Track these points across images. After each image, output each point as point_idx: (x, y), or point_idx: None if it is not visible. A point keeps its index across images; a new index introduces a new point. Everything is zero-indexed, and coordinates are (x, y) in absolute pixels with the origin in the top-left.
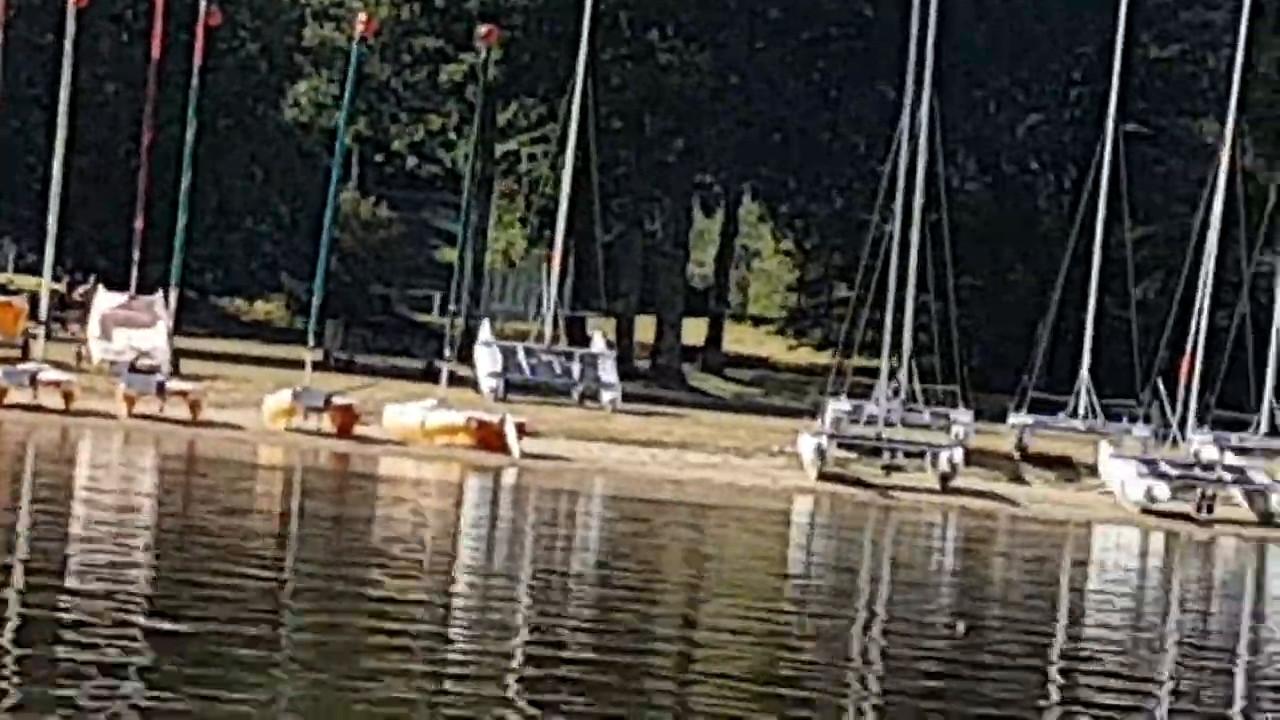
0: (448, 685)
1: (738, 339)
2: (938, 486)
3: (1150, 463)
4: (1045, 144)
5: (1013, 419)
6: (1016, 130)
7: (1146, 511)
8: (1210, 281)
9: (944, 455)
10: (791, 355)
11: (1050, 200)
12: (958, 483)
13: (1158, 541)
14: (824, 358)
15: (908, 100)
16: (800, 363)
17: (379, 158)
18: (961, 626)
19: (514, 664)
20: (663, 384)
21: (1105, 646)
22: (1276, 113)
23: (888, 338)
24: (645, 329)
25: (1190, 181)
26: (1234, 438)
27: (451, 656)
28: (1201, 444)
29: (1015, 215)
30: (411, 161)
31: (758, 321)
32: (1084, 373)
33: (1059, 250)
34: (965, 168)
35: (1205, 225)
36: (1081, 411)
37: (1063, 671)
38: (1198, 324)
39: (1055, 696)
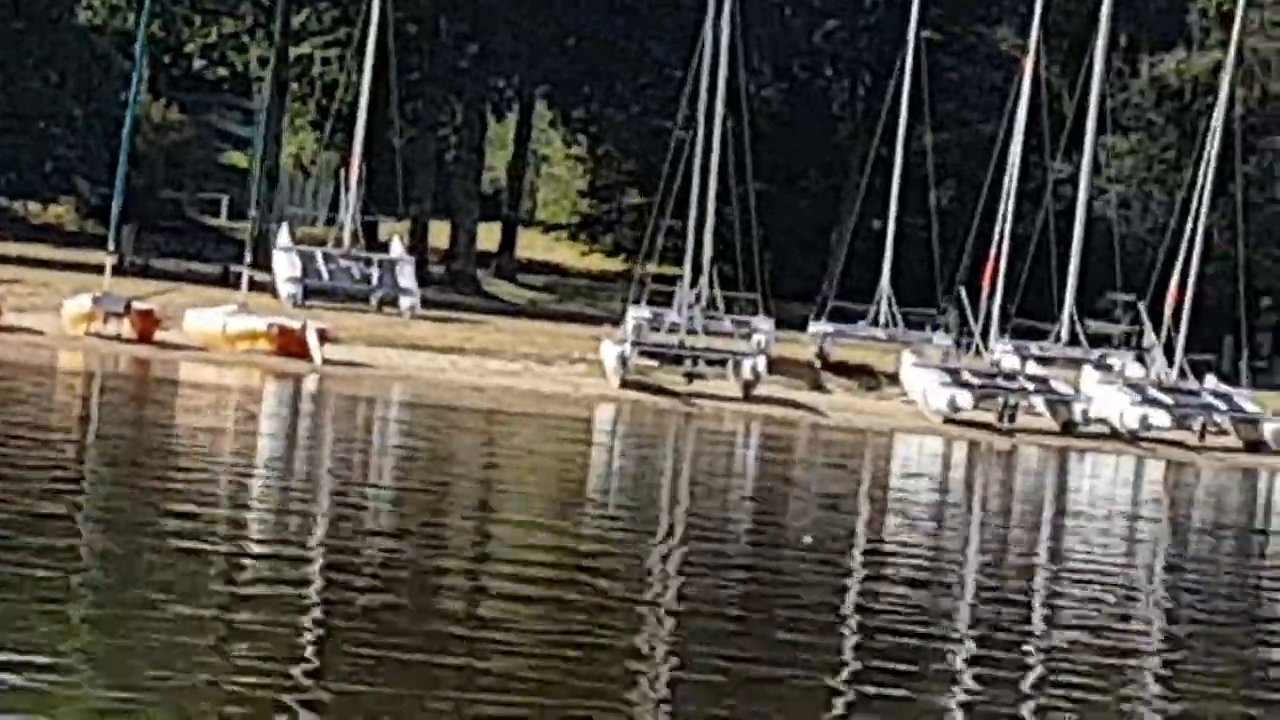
0: (240, 604)
1: (529, 245)
2: (740, 395)
3: (953, 372)
4: (841, 50)
5: (813, 327)
6: (813, 36)
7: (949, 421)
8: (1013, 190)
9: (746, 363)
10: (583, 261)
11: (845, 108)
12: (760, 391)
13: (960, 450)
14: (616, 264)
15: (711, 6)
16: (592, 269)
17: (167, 59)
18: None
19: (308, 576)
20: (458, 290)
21: (905, 551)
22: (1074, 23)
23: (691, 245)
24: (439, 234)
25: (987, 90)
26: (1034, 347)
27: (245, 569)
28: (1002, 353)
29: (810, 122)
30: (200, 64)
31: (549, 228)
32: (884, 281)
33: (853, 157)
34: (762, 73)
35: (1008, 134)
36: (882, 320)
37: (865, 579)
38: (1000, 233)
39: (852, 602)
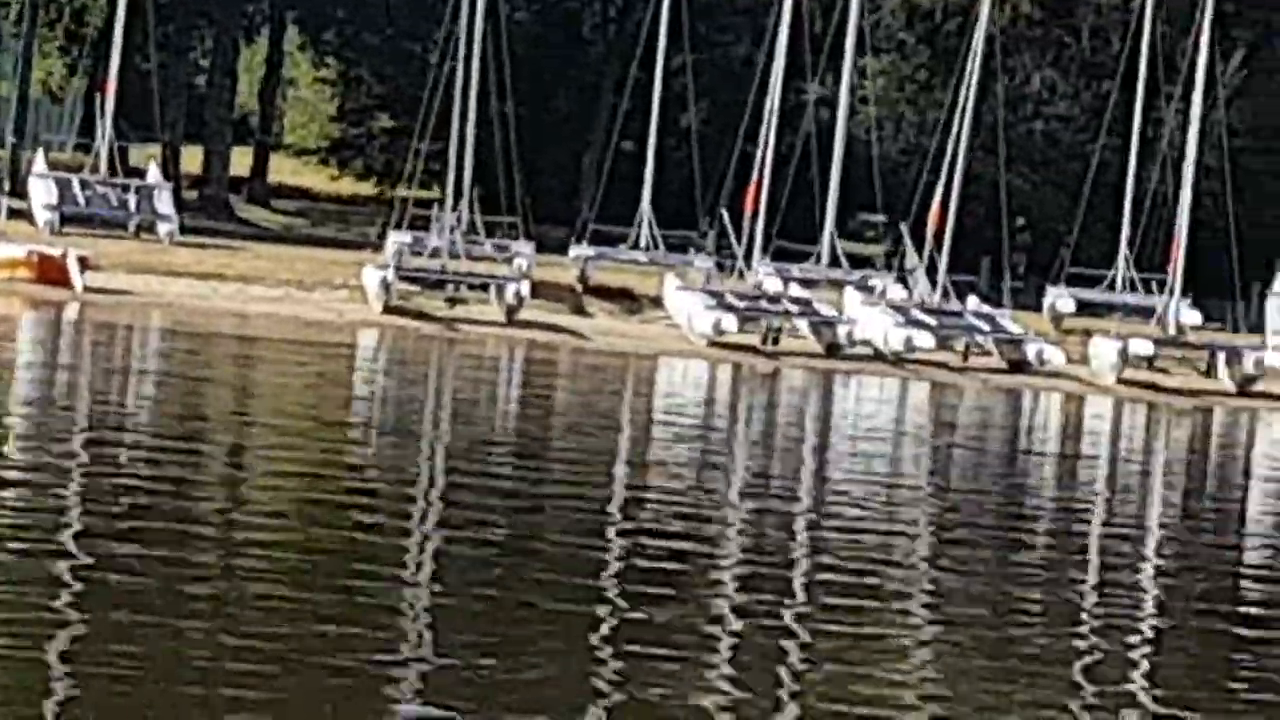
0: None
1: (279, 170)
2: (503, 320)
3: (716, 295)
4: None
5: (574, 251)
6: None
7: (713, 344)
8: (776, 112)
9: (509, 288)
10: (334, 186)
11: (596, 30)
12: (523, 316)
13: (724, 373)
14: (367, 188)
15: None
16: (343, 193)
17: None
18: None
19: (66, 505)
20: (210, 216)
21: (668, 474)
22: None
23: (453, 169)
24: (191, 160)
25: (741, 11)
26: (796, 269)
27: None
28: (764, 276)
29: (563, 44)
30: None
31: (299, 152)
32: (645, 204)
33: (607, 79)
34: None
35: (769, 56)
36: (643, 243)
37: (626, 503)
38: (761, 155)
39: (616, 525)
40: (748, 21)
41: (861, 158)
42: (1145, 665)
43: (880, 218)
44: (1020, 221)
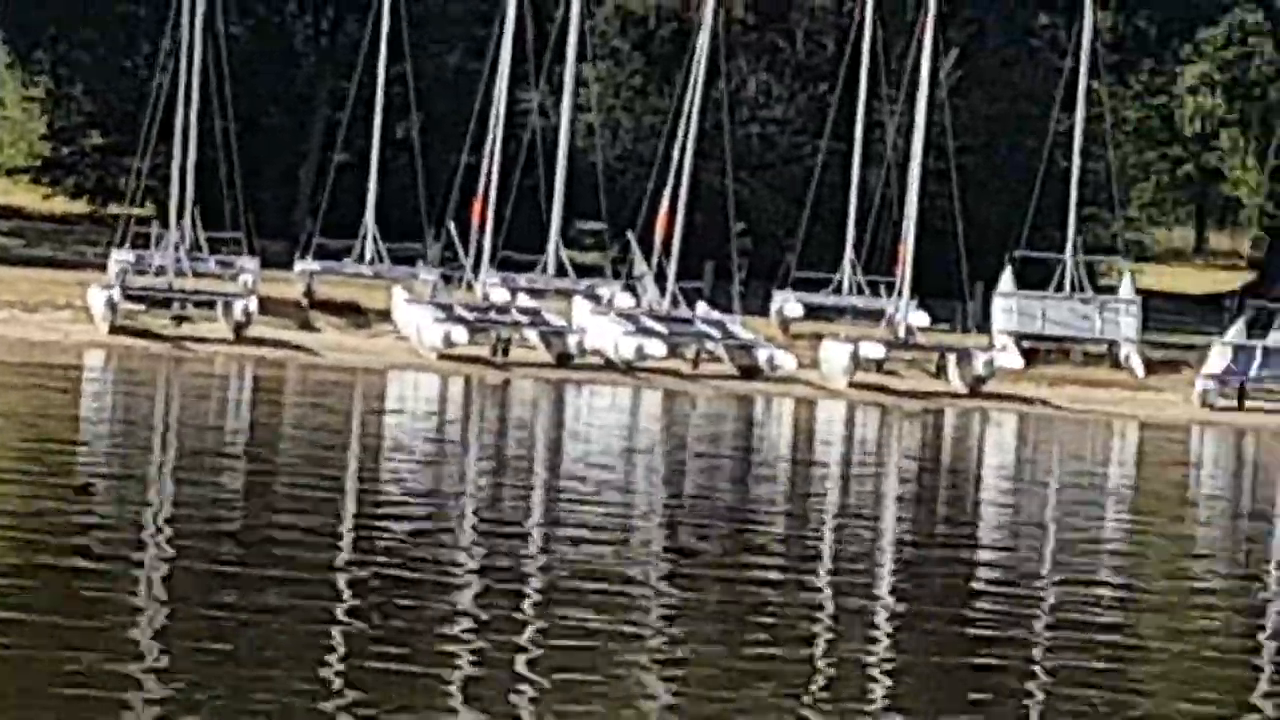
0: None
1: None
2: (231, 337)
3: (445, 307)
4: None
5: (299, 266)
6: None
7: (444, 356)
8: (501, 122)
9: (237, 305)
10: (46, 205)
11: (308, 43)
12: (251, 332)
13: (455, 385)
14: (80, 206)
15: None
16: (56, 212)
17: None
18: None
19: None
20: None
21: (396, 485)
22: None
23: (175, 186)
24: None
25: (454, 21)
26: (523, 279)
27: None
28: (491, 286)
29: (275, 58)
30: None
31: (10, 171)
32: (369, 217)
33: (319, 92)
34: (231, 12)
35: (495, 64)
36: (368, 256)
37: (361, 513)
38: (488, 166)
39: (349, 535)
40: (461, 30)
41: (579, 166)
42: (878, 669)
43: (598, 225)
44: (740, 226)
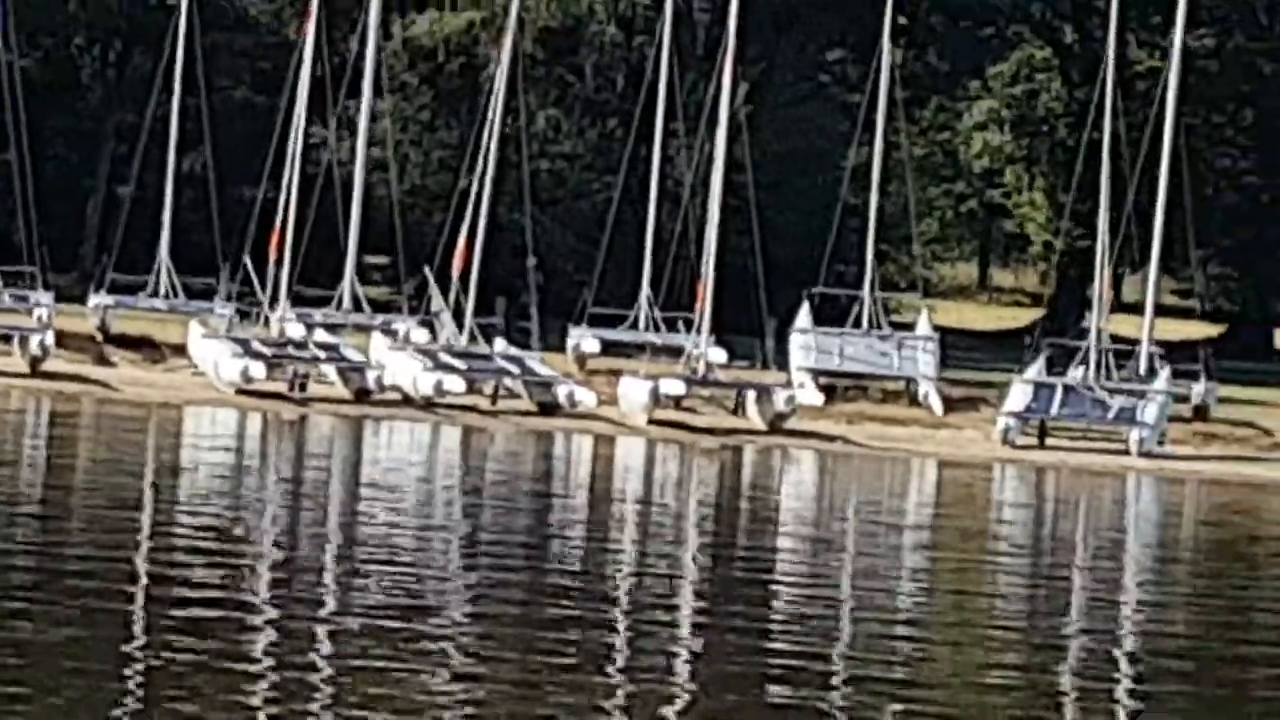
0: None
1: None
2: (27, 371)
3: (243, 342)
4: (95, 18)
5: (93, 300)
6: (68, 4)
7: (241, 391)
8: (298, 156)
9: (34, 339)
10: None
11: (95, 77)
12: (48, 366)
13: (254, 421)
14: None
15: None
16: None
17: None
18: None
19: None
20: None
21: (192, 519)
22: None
23: None
24: None
25: (239, 54)
26: (318, 314)
27: None
28: (287, 322)
29: (61, 90)
30: None
31: None
32: (163, 251)
33: (106, 125)
34: (20, 46)
35: (291, 98)
36: (163, 291)
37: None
38: (285, 200)
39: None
40: (246, 64)
41: (367, 199)
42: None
43: (384, 259)
44: (532, 261)
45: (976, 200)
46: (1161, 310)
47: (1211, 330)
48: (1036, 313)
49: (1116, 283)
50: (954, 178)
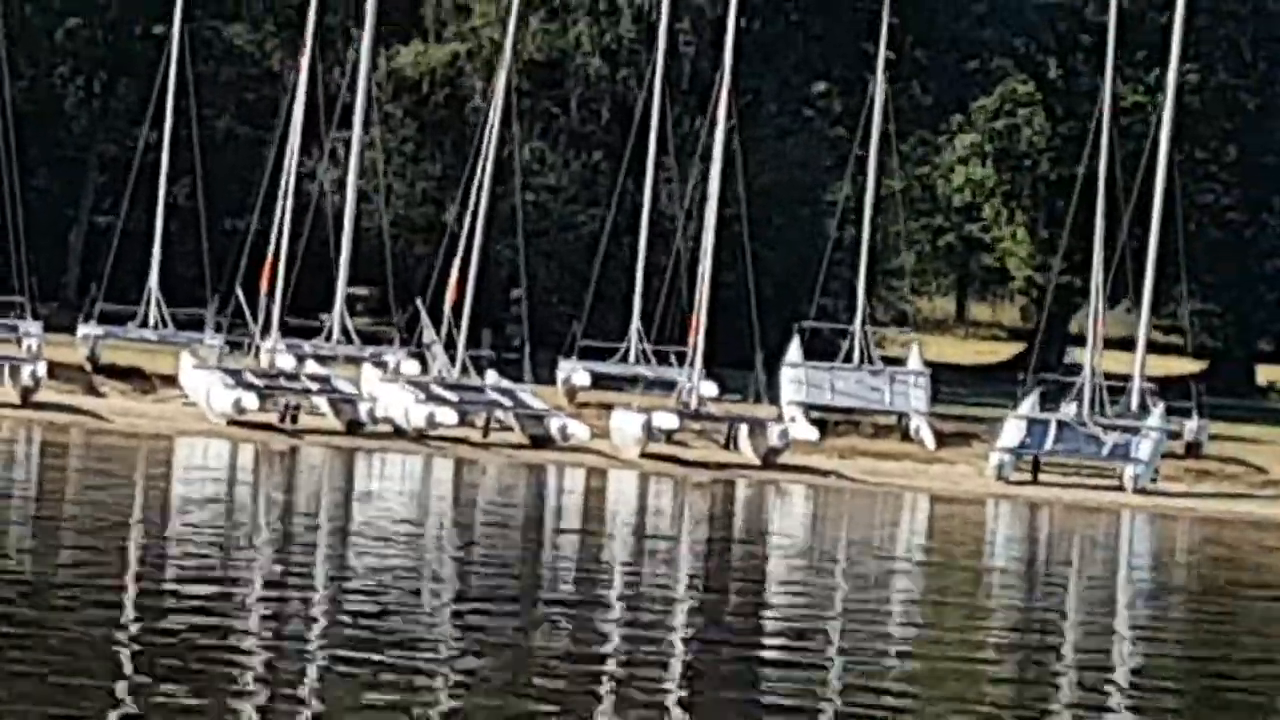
0: None
1: None
2: (18, 401)
3: (235, 373)
4: (80, 49)
5: (82, 330)
6: (54, 34)
7: (234, 423)
8: (292, 191)
9: (25, 369)
10: None
11: (79, 106)
12: (39, 396)
13: (246, 452)
14: None
15: None
16: None
17: None
18: None
19: None
20: None
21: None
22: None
23: None
24: None
25: (223, 85)
26: (308, 345)
27: None
28: (277, 353)
29: (45, 120)
30: None
31: None
32: (153, 281)
33: (90, 155)
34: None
35: (285, 130)
36: (152, 321)
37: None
38: (278, 231)
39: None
40: (231, 95)
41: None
42: None
43: (366, 290)
44: (515, 293)
45: (955, 234)
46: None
47: (1194, 366)
48: (1015, 347)
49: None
50: (932, 211)
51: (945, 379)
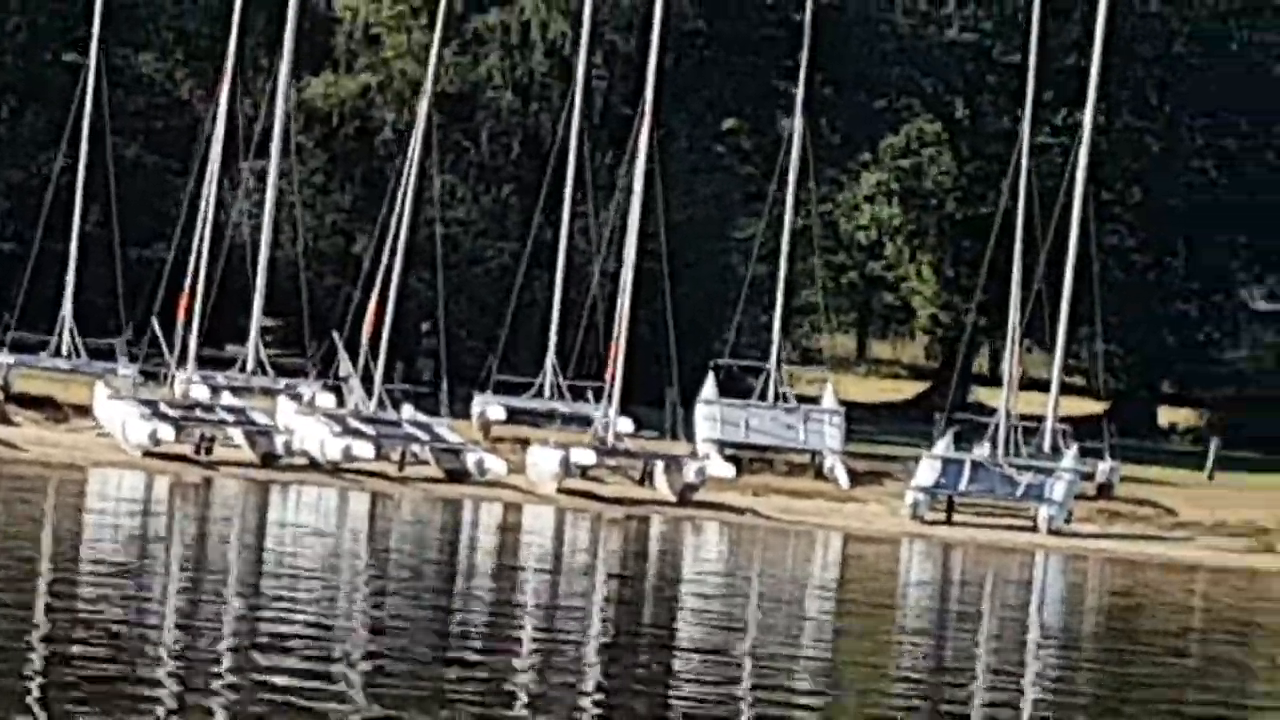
0: None
1: None
2: None
3: (151, 404)
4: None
5: None
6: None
7: (149, 454)
8: (210, 220)
9: None
10: None
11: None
12: None
13: (162, 484)
14: None
15: None
16: None
17: None
18: None
19: None
20: None
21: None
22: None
23: None
24: None
25: (132, 114)
26: (222, 377)
27: None
28: (192, 384)
29: None
30: None
31: None
32: (66, 310)
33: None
34: None
35: (204, 162)
36: (65, 350)
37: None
38: (195, 262)
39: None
40: (141, 123)
41: (247, 260)
42: None
43: (272, 322)
44: (425, 326)
45: (857, 272)
46: (1045, 386)
47: (1098, 407)
48: (918, 385)
49: (995, 358)
50: (835, 249)
51: (854, 416)
